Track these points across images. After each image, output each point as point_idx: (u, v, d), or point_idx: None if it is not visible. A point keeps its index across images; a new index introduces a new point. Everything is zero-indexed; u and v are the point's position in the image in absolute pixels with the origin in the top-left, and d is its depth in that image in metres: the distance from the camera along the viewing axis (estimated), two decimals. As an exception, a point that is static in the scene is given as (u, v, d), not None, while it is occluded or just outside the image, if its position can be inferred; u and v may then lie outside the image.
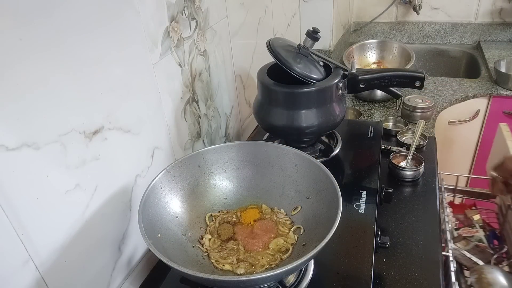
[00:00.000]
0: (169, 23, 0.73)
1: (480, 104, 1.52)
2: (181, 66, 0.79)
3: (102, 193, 0.61)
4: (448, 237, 0.89)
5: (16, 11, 0.44)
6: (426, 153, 1.07)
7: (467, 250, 1.00)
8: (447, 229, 0.91)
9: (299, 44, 0.86)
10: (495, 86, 1.52)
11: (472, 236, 1.05)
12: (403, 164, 0.99)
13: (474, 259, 0.96)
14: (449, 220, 0.93)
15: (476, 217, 1.10)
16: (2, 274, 0.46)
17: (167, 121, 0.77)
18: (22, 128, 0.47)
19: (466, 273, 0.93)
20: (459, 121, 1.53)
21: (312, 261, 0.66)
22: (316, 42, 0.86)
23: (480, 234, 1.05)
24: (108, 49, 0.59)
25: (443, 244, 0.91)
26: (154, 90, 0.72)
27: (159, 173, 0.65)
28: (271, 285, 0.59)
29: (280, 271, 0.48)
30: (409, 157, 1.00)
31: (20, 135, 0.46)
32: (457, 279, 0.77)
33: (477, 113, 1.53)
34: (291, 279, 0.63)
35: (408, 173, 0.96)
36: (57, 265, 0.54)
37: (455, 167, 1.67)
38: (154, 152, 0.74)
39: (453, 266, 0.79)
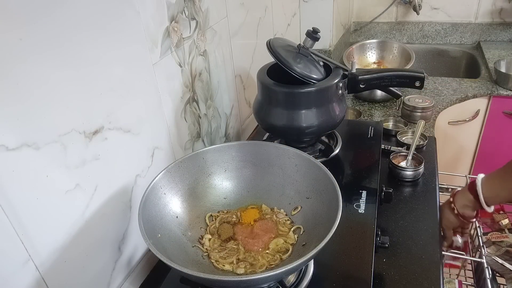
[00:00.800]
0: (169, 23, 0.73)
1: (480, 104, 1.52)
2: (181, 66, 0.79)
3: (102, 193, 0.61)
4: (481, 242, 0.88)
5: (16, 11, 0.44)
6: (426, 153, 1.07)
7: (498, 256, 0.97)
8: (479, 234, 0.90)
9: (299, 44, 0.86)
10: (495, 86, 1.52)
11: (501, 241, 1.01)
12: (403, 164, 0.99)
13: (507, 265, 0.93)
14: (479, 224, 0.92)
15: (505, 221, 1.07)
16: (2, 274, 0.46)
17: (167, 121, 0.77)
18: (22, 128, 0.47)
19: (499, 279, 0.91)
20: (459, 121, 1.53)
21: (312, 261, 0.66)
22: (316, 42, 0.85)
23: (510, 239, 1.02)
24: (108, 49, 0.59)
25: (478, 250, 0.90)
26: (154, 90, 0.72)
27: (159, 173, 0.65)
28: (271, 285, 0.59)
29: (280, 271, 0.48)
30: (409, 157, 1.00)
31: (20, 135, 0.46)
32: (492, 286, 0.76)
33: (477, 113, 1.53)
34: (291, 279, 0.63)
35: (408, 173, 0.96)
36: (57, 265, 0.54)
37: (455, 167, 1.67)
38: (154, 152, 0.74)
39: (488, 273, 0.78)
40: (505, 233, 1.03)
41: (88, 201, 0.59)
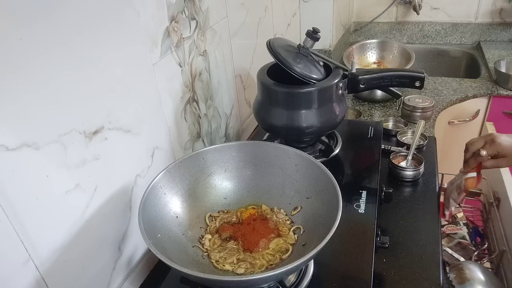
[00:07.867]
0: (169, 23, 0.73)
1: (480, 104, 1.52)
2: (181, 66, 0.79)
3: (102, 193, 0.61)
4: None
5: (16, 12, 0.44)
6: (426, 153, 1.07)
7: (449, 247, 1.01)
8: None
9: (299, 44, 0.86)
10: (495, 86, 1.52)
11: (455, 233, 1.07)
12: (403, 164, 0.99)
13: (456, 255, 0.97)
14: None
15: (460, 214, 1.13)
16: (2, 274, 0.46)
17: (167, 121, 0.77)
18: (22, 128, 0.47)
19: (448, 269, 0.94)
20: (459, 121, 1.53)
21: (312, 261, 0.66)
22: (316, 42, 0.85)
23: (464, 231, 1.07)
24: (108, 49, 0.59)
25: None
26: (154, 90, 0.72)
27: (159, 173, 0.65)
28: (271, 285, 0.59)
29: (280, 271, 0.48)
30: (409, 157, 1.00)
31: (20, 135, 0.46)
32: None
33: (477, 113, 1.53)
34: (291, 279, 0.63)
35: (408, 173, 0.96)
36: (57, 265, 0.54)
37: (455, 167, 1.67)
38: (154, 152, 0.74)
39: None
40: (460, 225, 1.09)
41: (88, 201, 0.59)
